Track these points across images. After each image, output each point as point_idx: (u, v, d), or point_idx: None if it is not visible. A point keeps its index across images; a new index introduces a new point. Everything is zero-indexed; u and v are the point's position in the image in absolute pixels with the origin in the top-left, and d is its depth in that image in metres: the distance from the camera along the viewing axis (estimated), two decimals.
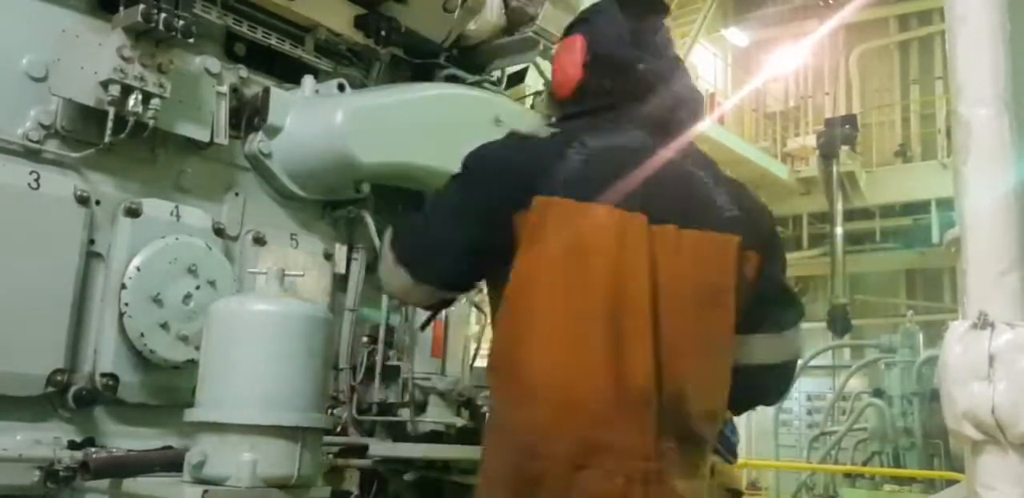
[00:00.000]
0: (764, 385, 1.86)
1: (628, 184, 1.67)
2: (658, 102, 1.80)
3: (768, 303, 1.79)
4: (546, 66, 3.96)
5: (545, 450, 1.57)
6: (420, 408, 3.00)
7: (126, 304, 2.55)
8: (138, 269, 2.57)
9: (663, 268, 1.63)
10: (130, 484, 2.25)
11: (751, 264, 1.73)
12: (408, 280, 1.82)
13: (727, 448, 2.57)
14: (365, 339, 3.18)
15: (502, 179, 1.72)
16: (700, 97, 1.93)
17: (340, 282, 3.21)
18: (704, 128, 1.96)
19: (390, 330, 3.18)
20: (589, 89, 1.82)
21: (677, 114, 1.82)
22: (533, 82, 4.03)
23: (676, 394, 1.59)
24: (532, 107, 3.82)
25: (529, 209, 1.65)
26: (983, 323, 1.25)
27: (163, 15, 2.51)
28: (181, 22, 2.55)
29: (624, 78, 1.81)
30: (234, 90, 2.95)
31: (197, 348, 2.44)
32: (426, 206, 1.88)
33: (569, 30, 1.92)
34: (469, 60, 3.68)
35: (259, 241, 2.97)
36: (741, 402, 1.83)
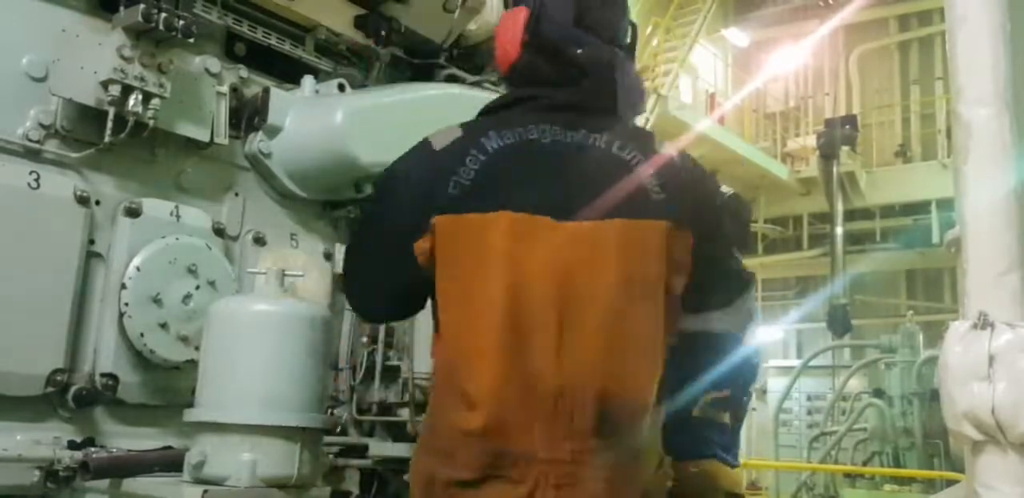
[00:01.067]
0: (713, 359, 1.82)
1: (529, 186, 1.61)
2: (586, 88, 1.69)
3: (709, 281, 1.72)
4: None
5: (461, 459, 1.55)
6: (420, 408, 2.99)
7: (126, 304, 2.55)
8: (138, 269, 2.57)
9: (575, 266, 1.56)
10: (130, 484, 2.25)
11: (683, 244, 1.64)
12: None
13: (730, 452, 2.55)
14: (365, 339, 3.18)
15: (404, 208, 1.68)
16: (638, 84, 1.81)
17: (340, 282, 3.21)
18: (639, 115, 1.84)
19: (390, 330, 3.17)
20: (520, 70, 1.73)
21: (603, 101, 1.71)
22: None
23: (595, 393, 1.53)
24: None
25: (429, 232, 1.62)
26: (983, 323, 1.25)
27: (163, 15, 2.51)
28: (181, 22, 2.55)
29: (558, 62, 1.70)
30: (234, 90, 2.95)
31: (197, 348, 2.44)
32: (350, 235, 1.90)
33: None
34: (469, 60, 3.68)
35: (259, 241, 2.97)
36: (689, 376, 1.79)
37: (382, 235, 1.73)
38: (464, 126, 1.72)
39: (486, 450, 1.53)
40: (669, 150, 1.70)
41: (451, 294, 1.62)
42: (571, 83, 1.69)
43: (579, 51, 1.69)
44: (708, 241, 1.68)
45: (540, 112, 1.68)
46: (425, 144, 1.72)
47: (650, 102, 11.96)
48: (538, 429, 1.51)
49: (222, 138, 2.86)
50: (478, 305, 1.57)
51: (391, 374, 3.07)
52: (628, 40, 1.81)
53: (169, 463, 2.30)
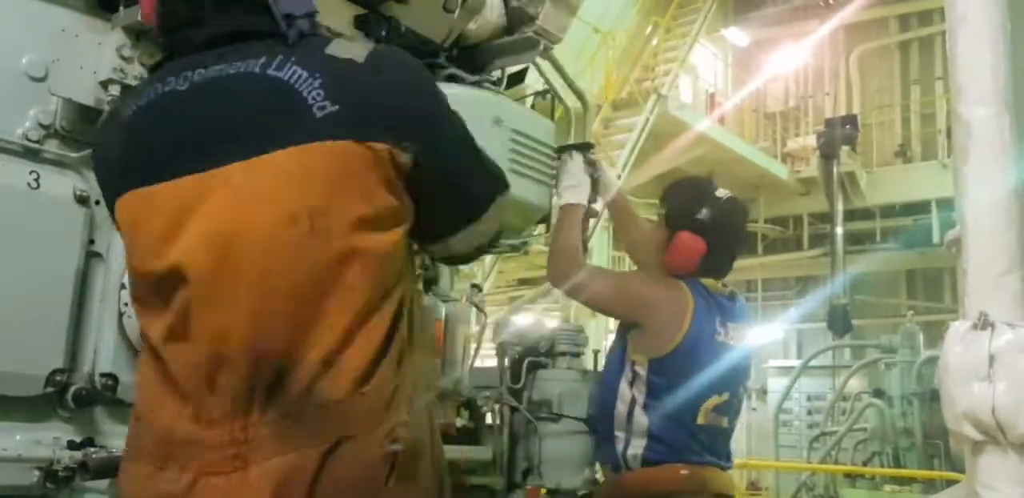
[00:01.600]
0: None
1: (166, 147, 1.38)
2: (226, 17, 1.42)
3: (439, 197, 1.44)
4: (547, 67, 3.96)
5: (134, 451, 1.41)
6: None
7: (126, 304, 2.54)
8: None
9: (219, 221, 1.32)
10: None
11: (387, 160, 1.33)
12: None
13: (721, 455, 2.53)
14: None
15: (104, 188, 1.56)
16: None
17: None
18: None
19: None
20: (162, 23, 1.49)
21: (252, 25, 1.42)
22: (533, 82, 4.03)
23: (265, 356, 1.29)
24: (533, 107, 3.82)
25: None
26: (983, 323, 1.25)
27: None
28: None
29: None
30: None
31: None
32: None
33: None
34: (469, 60, 3.68)
35: None
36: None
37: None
38: (125, 92, 1.57)
39: (159, 438, 1.36)
40: (345, 51, 1.38)
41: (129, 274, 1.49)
42: (212, 17, 1.43)
43: None
44: (427, 148, 1.38)
45: (185, 58, 1.44)
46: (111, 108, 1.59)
47: (650, 102, 11.97)
48: (200, 410, 1.32)
49: None
50: (145, 280, 1.40)
51: None
52: None
53: None
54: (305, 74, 1.33)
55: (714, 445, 2.49)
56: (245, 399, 1.30)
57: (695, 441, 2.43)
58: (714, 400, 2.45)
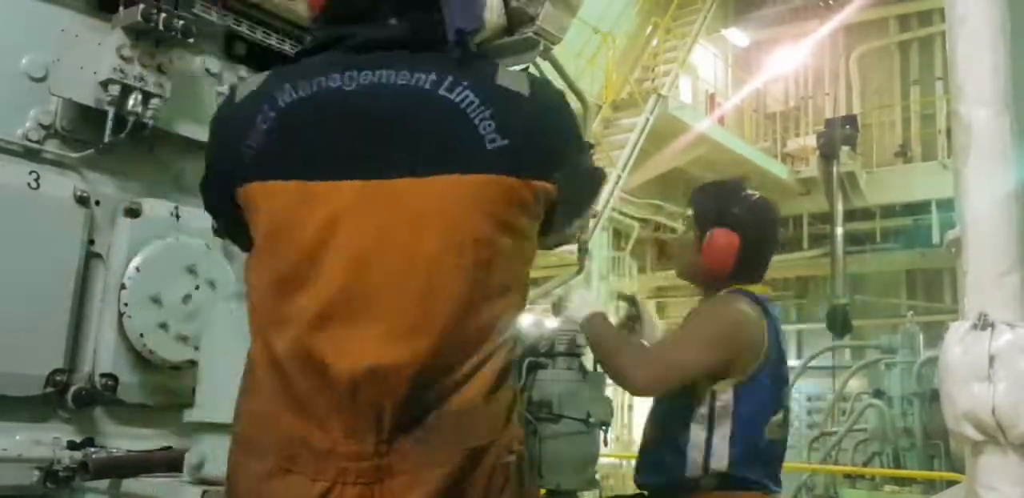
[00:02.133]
0: None
1: (327, 146, 1.36)
2: (404, 21, 1.42)
3: (567, 208, 1.49)
4: (547, 66, 3.96)
5: (257, 450, 1.39)
6: None
7: (125, 304, 2.55)
8: (138, 269, 2.57)
9: (377, 235, 1.32)
10: (129, 484, 2.25)
11: (541, 195, 1.39)
12: None
13: (778, 477, 2.41)
14: None
15: (214, 177, 1.50)
16: (473, 6, 1.49)
17: None
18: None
19: None
20: (330, 7, 1.47)
21: (425, 34, 1.42)
22: None
23: (413, 375, 1.30)
24: None
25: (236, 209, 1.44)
26: (983, 324, 1.24)
27: (163, 15, 2.51)
28: (181, 22, 2.55)
29: None
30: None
31: (196, 348, 2.44)
32: None
33: None
34: None
35: None
36: None
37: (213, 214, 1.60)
38: (273, 72, 1.49)
39: (285, 440, 1.35)
40: (513, 83, 1.41)
41: (251, 274, 1.43)
42: (386, 17, 1.42)
43: None
44: (566, 187, 1.43)
45: (347, 54, 1.42)
46: (231, 92, 1.51)
47: (650, 102, 11.96)
48: (340, 420, 1.31)
49: None
50: (280, 288, 1.37)
51: None
52: None
53: (168, 463, 2.29)
54: (477, 101, 1.35)
55: (778, 464, 2.40)
56: (387, 412, 1.31)
57: (768, 463, 2.35)
58: (780, 415, 2.38)
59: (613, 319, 2.55)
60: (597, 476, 2.77)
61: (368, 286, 1.31)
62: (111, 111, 2.51)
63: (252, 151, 1.38)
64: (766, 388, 2.31)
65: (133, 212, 2.62)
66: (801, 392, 12.40)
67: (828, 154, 13.79)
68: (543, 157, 1.39)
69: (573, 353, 2.91)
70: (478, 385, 1.34)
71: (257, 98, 1.42)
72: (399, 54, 1.40)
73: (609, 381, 2.54)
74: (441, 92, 1.35)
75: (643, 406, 3.41)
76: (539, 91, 1.42)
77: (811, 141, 14.86)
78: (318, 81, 1.39)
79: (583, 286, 2.99)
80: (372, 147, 1.34)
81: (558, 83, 3.90)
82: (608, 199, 10.43)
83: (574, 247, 4.39)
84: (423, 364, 1.31)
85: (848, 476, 9.35)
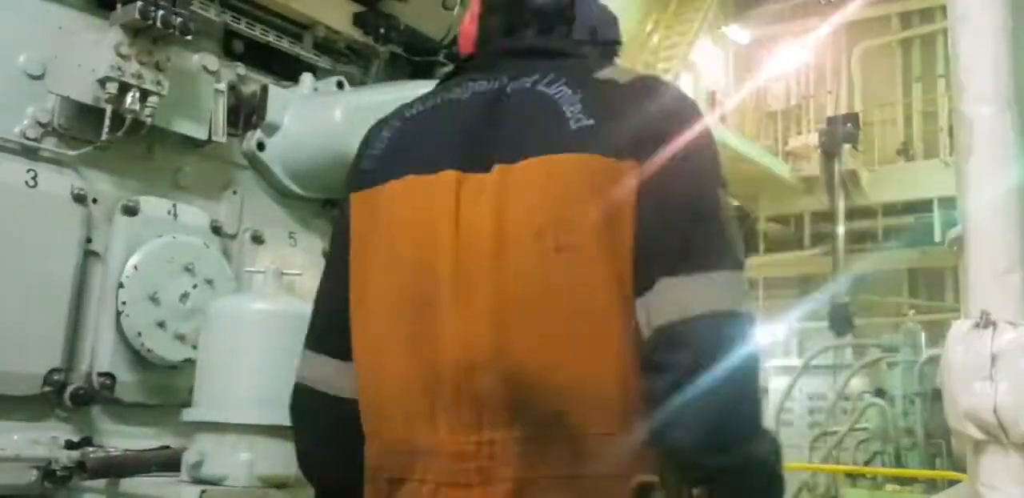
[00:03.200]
0: (694, 360, 1.18)
1: (436, 144, 1.40)
2: (529, 34, 1.48)
3: (675, 230, 1.26)
4: None
5: (377, 452, 1.36)
6: None
7: (123, 303, 2.54)
8: (135, 268, 2.56)
9: (477, 225, 1.29)
10: (127, 484, 2.24)
11: (628, 178, 1.27)
12: None
13: None
14: None
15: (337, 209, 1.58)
16: (606, 20, 1.54)
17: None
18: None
19: None
20: (479, 35, 1.53)
21: (549, 43, 1.47)
22: None
23: (514, 370, 1.23)
24: None
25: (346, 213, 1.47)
26: (985, 322, 1.24)
27: (161, 12, 2.50)
28: (179, 19, 2.54)
29: (508, 14, 1.51)
30: (232, 88, 2.95)
31: (194, 347, 2.43)
32: None
33: None
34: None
35: (257, 239, 2.96)
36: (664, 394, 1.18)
37: (332, 236, 1.59)
38: (420, 99, 1.54)
39: (389, 447, 1.34)
40: (613, 74, 1.39)
41: (354, 279, 1.43)
42: (514, 31, 1.49)
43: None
44: (669, 174, 1.28)
45: (470, 71, 1.49)
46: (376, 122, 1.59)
47: None
48: (444, 419, 1.27)
49: (220, 136, 2.86)
50: (384, 281, 1.37)
51: None
52: None
53: (167, 463, 2.29)
54: (569, 92, 1.35)
55: None
56: (492, 411, 1.25)
57: None
58: None
59: None
60: None
61: (472, 278, 1.28)
62: (109, 109, 2.50)
63: (374, 158, 1.47)
64: None
65: (131, 210, 2.61)
66: (802, 391, 12.38)
67: (830, 152, 13.77)
68: (632, 137, 1.30)
69: None
70: (607, 405, 1.25)
71: (389, 116, 1.54)
72: (515, 62, 1.45)
73: None
74: (539, 88, 1.37)
75: None
76: (641, 79, 1.39)
77: (813, 139, 14.83)
78: (440, 96, 1.48)
79: None
80: (470, 144, 1.37)
81: None
82: None
83: None
84: (524, 365, 1.24)
85: (849, 475, 9.34)
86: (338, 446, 1.45)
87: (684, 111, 1.37)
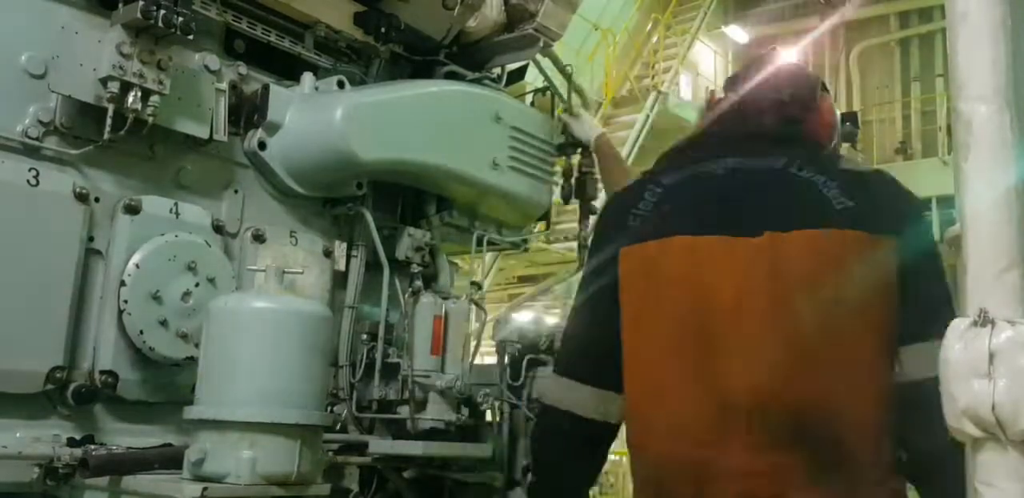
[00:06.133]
0: (922, 412, 1.46)
1: (702, 211, 1.67)
2: (770, 121, 1.80)
3: (916, 300, 1.58)
4: (546, 63, 3.95)
5: (666, 472, 1.60)
6: (420, 405, 3.00)
7: (125, 301, 2.54)
8: (137, 266, 2.57)
9: (757, 280, 1.56)
10: (129, 481, 2.24)
11: (884, 252, 1.56)
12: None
13: None
14: (364, 336, 3.17)
15: (600, 247, 1.79)
16: (831, 120, 1.90)
17: (340, 279, 3.21)
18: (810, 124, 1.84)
19: (389, 327, 3.17)
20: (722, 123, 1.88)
21: (787, 129, 1.79)
22: (533, 79, 4.02)
23: (797, 406, 1.50)
24: (532, 104, 3.82)
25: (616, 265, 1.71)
26: (983, 320, 1.24)
27: (162, 12, 2.51)
28: (180, 19, 2.54)
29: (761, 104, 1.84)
30: (233, 87, 2.95)
31: (196, 345, 2.44)
32: None
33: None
34: (469, 57, 3.67)
35: (258, 238, 2.97)
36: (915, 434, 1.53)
37: (591, 279, 1.80)
38: (655, 168, 1.84)
39: (689, 463, 1.56)
40: (849, 164, 1.72)
41: (631, 321, 1.67)
42: (757, 117, 1.80)
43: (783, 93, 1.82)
44: (912, 252, 1.59)
45: (719, 147, 1.78)
46: (618, 191, 1.90)
47: (650, 99, 11.95)
48: (735, 443, 1.53)
49: (221, 135, 2.86)
50: (662, 325, 1.62)
51: (391, 371, 3.07)
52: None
53: (169, 460, 2.29)
54: (824, 178, 1.63)
55: None
56: (781, 437, 1.51)
57: None
58: None
59: None
60: None
61: (752, 321, 1.55)
62: (110, 108, 2.50)
63: (641, 217, 1.72)
64: None
65: (133, 209, 2.62)
66: None
67: None
68: (887, 218, 1.59)
69: None
70: (872, 434, 1.54)
71: (643, 182, 1.79)
72: (759, 144, 1.75)
73: None
74: (792, 170, 1.66)
75: None
76: (878, 172, 1.71)
77: None
78: (694, 166, 1.75)
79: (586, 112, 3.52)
80: (745, 213, 1.62)
81: (557, 81, 3.90)
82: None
83: (574, 244, 4.39)
84: (813, 393, 1.52)
85: None
86: (579, 459, 1.81)
87: (914, 197, 1.71)
